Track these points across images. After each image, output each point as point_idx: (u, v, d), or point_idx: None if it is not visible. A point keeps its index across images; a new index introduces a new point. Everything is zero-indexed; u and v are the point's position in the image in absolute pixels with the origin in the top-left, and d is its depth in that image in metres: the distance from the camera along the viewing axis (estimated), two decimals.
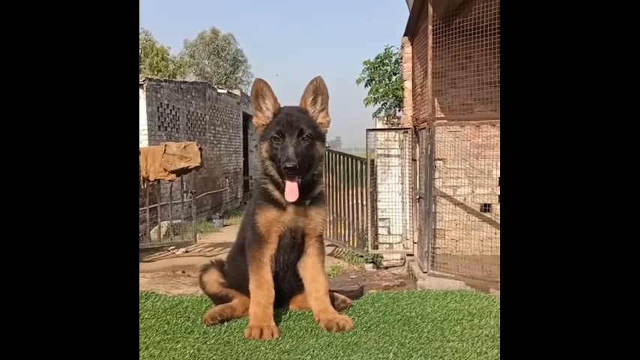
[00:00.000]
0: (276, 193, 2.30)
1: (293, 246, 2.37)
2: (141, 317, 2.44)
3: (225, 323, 2.32)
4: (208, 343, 2.08)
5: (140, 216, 9.39)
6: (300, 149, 2.19)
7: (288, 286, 2.44)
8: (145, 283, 6.86)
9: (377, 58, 8.75)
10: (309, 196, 2.30)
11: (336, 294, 2.61)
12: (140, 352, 1.97)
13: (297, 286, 2.44)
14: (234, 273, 2.54)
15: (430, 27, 5.73)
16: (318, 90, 2.30)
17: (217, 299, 2.55)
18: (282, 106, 2.34)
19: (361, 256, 8.15)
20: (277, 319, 2.30)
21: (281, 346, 2.02)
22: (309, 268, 2.38)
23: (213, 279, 2.62)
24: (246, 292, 2.34)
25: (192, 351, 1.98)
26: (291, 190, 2.19)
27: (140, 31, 29.57)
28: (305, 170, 2.23)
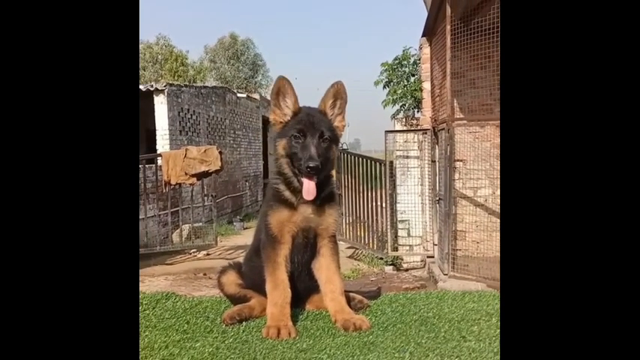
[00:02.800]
0: (287, 193, 2.31)
1: (306, 246, 2.38)
2: (161, 317, 2.49)
3: (244, 323, 2.35)
4: (227, 342, 2.11)
5: (162, 219, 9.53)
6: (320, 150, 2.21)
7: (304, 286, 2.46)
8: (166, 285, 6.96)
9: (395, 59, 8.71)
10: (320, 196, 2.32)
11: (352, 294, 2.62)
12: (160, 351, 2.01)
13: (314, 286, 2.45)
14: (252, 274, 2.57)
15: (448, 27, 5.69)
16: (338, 94, 2.33)
17: (235, 300, 2.58)
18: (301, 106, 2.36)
19: (381, 259, 8.12)
20: (294, 318, 2.32)
21: (298, 345, 2.04)
22: (324, 269, 2.39)
23: (231, 280, 2.66)
24: (263, 292, 2.37)
25: (211, 350, 2.01)
26: (309, 189, 2.20)
27: (159, 36, 30.15)
28: (323, 171, 2.25)
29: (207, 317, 2.47)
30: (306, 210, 2.31)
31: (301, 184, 2.22)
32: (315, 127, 2.24)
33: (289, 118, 2.31)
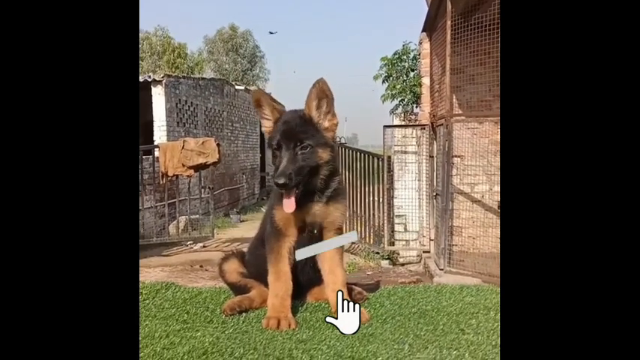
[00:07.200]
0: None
1: (312, 239, 2.39)
2: (161, 307, 2.50)
3: (244, 314, 2.36)
4: (227, 332, 2.12)
5: (159, 211, 9.53)
6: (297, 161, 2.16)
7: (306, 278, 2.48)
8: (163, 276, 6.96)
9: (395, 54, 8.71)
10: (324, 194, 2.32)
11: (352, 286, 2.63)
12: (161, 340, 2.02)
13: (315, 278, 2.47)
14: (255, 263, 2.58)
15: (449, 22, 5.69)
16: (321, 93, 2.22)
17: (236, 289, 2.60)
18: (286, 110, 2.33)
19: (377, 253, 8.14)
20: (294, 310, 2.34)
21: (298, 335, 2.06)
22: (328, 261, 2.40)
23: (233, 268, 2.67)
24: (265, 283, 2.38)
25: (211, 339, 2.02)
26: (287, 205, 2.18)
27: (157, 28, 30.02)
28: (304, 180, 2.20)
29: (207, 307, 2.48)
30: (312, 206, 2.32)
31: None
32: (290, 137, 2.16)
33: (272, 126, 2.30)
